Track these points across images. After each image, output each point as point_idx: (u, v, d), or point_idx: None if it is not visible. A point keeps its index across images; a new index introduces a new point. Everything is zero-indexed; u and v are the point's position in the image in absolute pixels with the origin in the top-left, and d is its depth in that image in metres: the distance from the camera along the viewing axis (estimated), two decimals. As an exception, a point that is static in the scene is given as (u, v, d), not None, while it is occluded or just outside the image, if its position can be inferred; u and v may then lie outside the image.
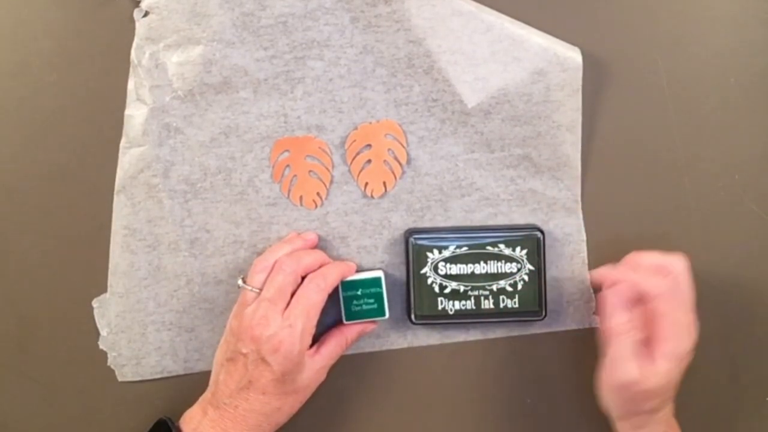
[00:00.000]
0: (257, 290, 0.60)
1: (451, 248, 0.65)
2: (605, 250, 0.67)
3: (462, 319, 0.65)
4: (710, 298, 0.67)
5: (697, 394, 0.67)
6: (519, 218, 0.66)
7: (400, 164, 0.66)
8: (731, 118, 0.67)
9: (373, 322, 0.65)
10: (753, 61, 0.66)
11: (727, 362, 0.68)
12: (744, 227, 0.67)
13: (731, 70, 0.66)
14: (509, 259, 0.65)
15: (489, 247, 0.65)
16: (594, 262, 0.67)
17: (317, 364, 0.61)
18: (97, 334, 0.67)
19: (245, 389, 0.59)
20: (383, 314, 0.64)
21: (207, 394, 0.61)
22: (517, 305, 0.65)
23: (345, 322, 0.64)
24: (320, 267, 0.62)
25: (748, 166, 0.67)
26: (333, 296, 0.63)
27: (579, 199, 0.66)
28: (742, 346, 0.68)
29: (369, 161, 0.66)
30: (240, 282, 0.62)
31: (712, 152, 0.67)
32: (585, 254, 0.67)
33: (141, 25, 0.64)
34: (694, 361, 0.67)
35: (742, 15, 0.66)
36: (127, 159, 0.65)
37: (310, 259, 0.62)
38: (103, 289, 0.66)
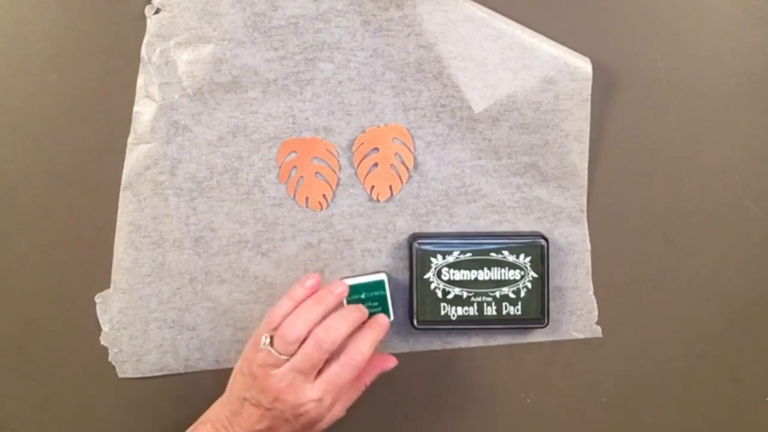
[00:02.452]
0: (286, 357, 0.57)
1: (455, 254, 0.65)
2: (609, 259, 0.67)
3: (464, 325, 0.65)
4: (710, 298, 0.68)
5: (697, 394, 0.68)
6: (524, 226, 0.67)
7: (407, 168, 0.66)
8: (731, 118, 0.67)
9: (392, 360, 0.64)
10: (753, 61, 0.67)
11: (727, 362, 0.68)
12: (744, 227, 0.67)
13: (731, 70, 0.67)
14: (513, 266, 0.65)
15: (493, 254, 0.65)
16: (598, 272, 0.67)
17: (336, 409, 0.60)
18: (98, 334, 0.66)
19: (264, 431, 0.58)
20: (388, 317, 0.64)
21: (221, 415, 0.60)
22: (519, 312, 0.65)
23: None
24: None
25: (748, 166, 0.67)
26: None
27: (584, 208, 0.66)
28: (742, 346, 0.68)
29: (376, 164, 0.66)
30: (266, 342, 0.57)
31: (712, 152, 0.67)
32: (589, 264, 0.67)
33: (152, 22, 0.64)
34: (694, 361, 0.68)
35: (742, 15, 0.66)
36: (134, 155, 0.65)
37: (346, 328, 0.58)
38: (104, 288, 0.66)
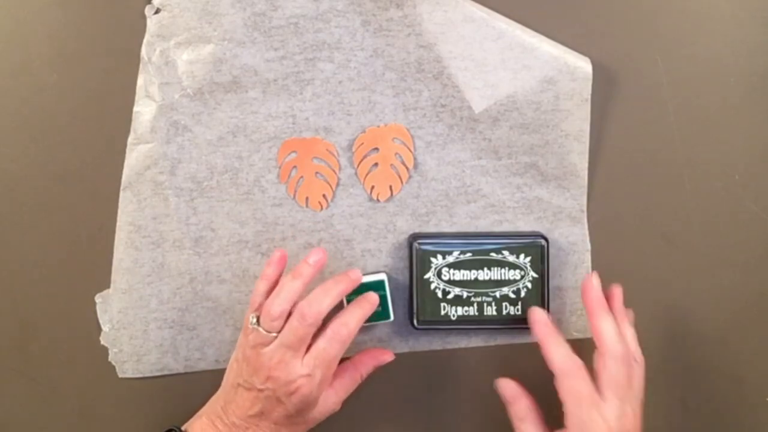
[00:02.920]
0: (274, 335, 0.58)
1: (455, 254, 0.65)
2: (609, 259, 0.67)
3: (464, 325, 0.65)
4: (710, 298, 0.68)
5: (698, 394, 0.68)
6: (524, 226, 0.67)
7: (407, 168, 0.66)
8: (731, 118, 0.67)
9: (389, 353, 0.64)
10: (753, 61, 0.67)
11: (728, 362, 0.68)
12: (744, 227, 0.67)
13: (731, 70, 0.67)
14: (513, 266, 0.65)
15: (493, 254, 0.65)
16: (598, 272, 0.67)
17: (331, 398, 0.60)
18: (98, 334, 0.66)
19: (257, 417, 0.58)
20: (388, 317, 0.64)
21: (216, 407, 0.60)
22: (519, 312, 0.65)
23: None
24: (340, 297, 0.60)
25: (748, 166, 0.67)
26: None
27: (585, 208, 0.66)
28: (742, 346, 0.68)
29: (376, 164, 0.66)
30: (253, 321, 0.59)
31: (712, 152, 0.67)
32: (589, 264, 0.67)
33: (152, 22, 0.64)
34: (694, 361, 0.67)
35: (742, 15, 0.66)
36: (135, 155, 0.65)
37: (329, 300, 0.59)
38: (104, 288, 0.66)
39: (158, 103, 0.64)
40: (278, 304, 0.58)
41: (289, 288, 0.59)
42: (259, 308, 0.59)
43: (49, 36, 0.65)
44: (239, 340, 0.60)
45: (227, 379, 0.61)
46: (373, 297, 0.62)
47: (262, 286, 0.60)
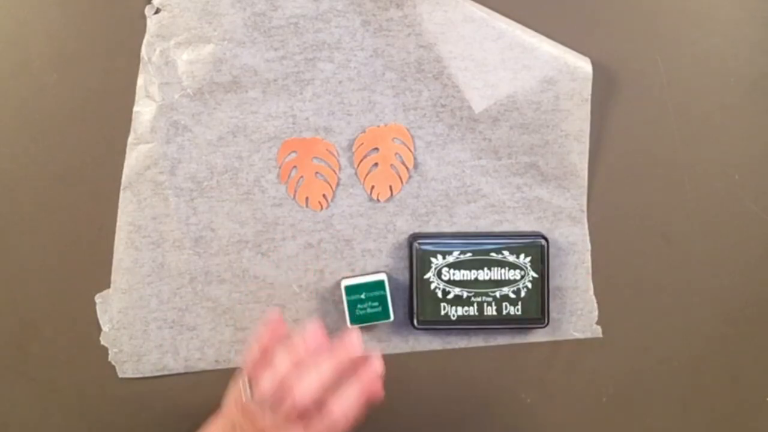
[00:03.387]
0: (269, 404, 0.54)
1: (455, 254, 0.65)
2: (609, 259, 0.67)
3: (464, 325, 0.65)
4: (710, 298, 0.68)
5: (697, 394, 0.68)
6: (524, 226, 0.67)
7: (407, 168, 0.66)
8: (731, 118, 0.67)
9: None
10: (753, 61, 0.67)
11: (727, 362, 0.68)
12: (744, 227, 0.68)
13: (731, 70, 0.67)
14: (513, 266, 0.65)
15: (493, 254, 0.65)
16: (598, 272, 0.67)
17: None
18: (98, 334, 0.66)
19: None
20: (388, 317, 0.64)
21: None
22: (519, 312, 0.65)
23: (350, 326, 0.64)
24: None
25: (748, 166, 0.67)
26: (336, 300, 0.62)
27: (585, 208, 0.66)
28: (742, 346, 0.68)
29: (376, 164, 0.66)
30: (246, 390, 0.55)
31: (712, 152, 0.67)
32: (589, 264, 0.67)
33: (152, 22, 0.64)
34: (694, 361, 0.68)
35: (742, 15, 0.66)
36: (135, 155, 0.65)
37: (320, 380, 0.54)
38: (104, 288, 0.66)
39: (158, 103, 0.64)
40: (269, 381, 0.54)
41: (282, 364, 0.54)
42: (253, 371, 0.55)
43: (49, 36, 0.65)
44: (235, 386, 0.56)
45: (225, 416, 0.57)
46: (375, 368, 0.56)
47: (255, 351, 0.56)
